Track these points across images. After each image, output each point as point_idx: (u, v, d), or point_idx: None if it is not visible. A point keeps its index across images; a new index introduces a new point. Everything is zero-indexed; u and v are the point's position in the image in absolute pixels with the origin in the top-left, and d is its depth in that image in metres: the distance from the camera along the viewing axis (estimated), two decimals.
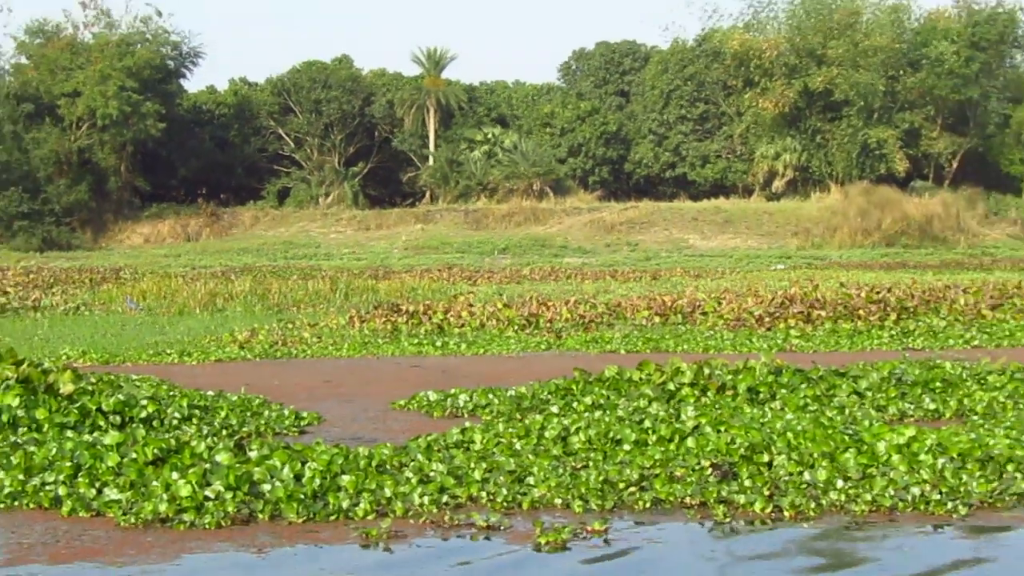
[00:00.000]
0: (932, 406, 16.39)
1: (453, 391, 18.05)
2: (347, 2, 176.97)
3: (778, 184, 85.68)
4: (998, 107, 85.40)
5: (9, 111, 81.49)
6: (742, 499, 11.17)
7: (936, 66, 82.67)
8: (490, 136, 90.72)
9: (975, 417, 15.65)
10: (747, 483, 11.61)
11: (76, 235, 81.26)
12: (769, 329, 29.31)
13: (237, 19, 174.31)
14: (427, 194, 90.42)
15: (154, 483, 11.37)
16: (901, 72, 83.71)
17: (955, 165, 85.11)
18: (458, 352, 26.40)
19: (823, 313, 30.82)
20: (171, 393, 17.17)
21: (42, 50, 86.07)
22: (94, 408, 15.07)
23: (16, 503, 11.46)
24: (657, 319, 31.46)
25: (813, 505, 11.02)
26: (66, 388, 15.53)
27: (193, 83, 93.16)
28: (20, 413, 14.59)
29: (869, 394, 16.93)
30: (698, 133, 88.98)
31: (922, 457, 12.19)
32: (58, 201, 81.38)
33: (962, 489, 11.39)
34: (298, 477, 11.56)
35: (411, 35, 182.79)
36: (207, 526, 10.58)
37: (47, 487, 11.60)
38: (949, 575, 9.51)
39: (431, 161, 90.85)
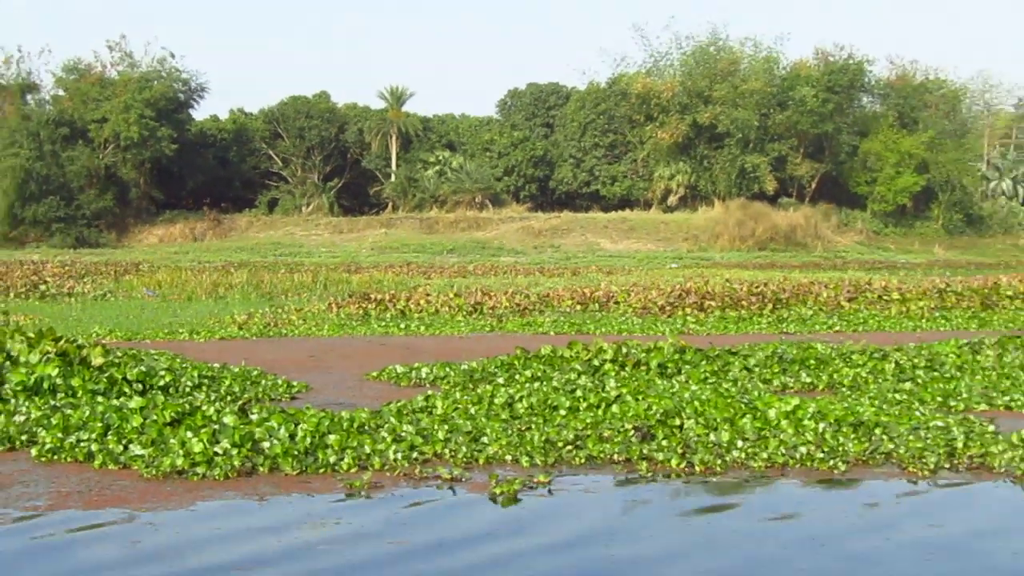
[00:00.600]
0: (808, 379, 16.20)
1: (416, 365, 17.75)
2: (326, 47, 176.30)
3: (672, 199, 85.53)
4: (848, 139, 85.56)
5: (48, 134, 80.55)
6: (660, 456, 10.96)
7: (799, 106, 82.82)
8: (441, 158, 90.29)
9: (844, 389, 15.55)
10: (664, 443, 11.39)
11: (103, 235, 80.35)
12: (669, 316, 29.06)
13: (235, 59, 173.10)
14: (389, 205, 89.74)
15: (172, 441, 11.10)
16: (771, 110, 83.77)
17: (814, 186, 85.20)
18: (418, 333, 25.95)
19: (713, 303, 30.66)
20: (183, 365, 16.78)
21: (76, 84, 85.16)
22: (120, 377, 14.74)
23: (55, 457, 11.16)
24: (579, 307, 31.18)
25: (719, 462, 10.83)
26: (97, 360, 15.18)
27: (199, 112, 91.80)
28: (59, 381, 14.22)
29: (756, 369, 16.74)
30: (608, 158, 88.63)
31: (806, 422, 12.03)
32: (88, 207, 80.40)
33: (840, 449, 11.23)
34: (292, 436, 11.29)
35: (378, 75, 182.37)
36: (217, 477, 10.32)
37: (81, 444, 11.31)
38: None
39: (393, 178, 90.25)
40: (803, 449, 11.08)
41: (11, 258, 61.43)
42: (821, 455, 10.97)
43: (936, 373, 16.49)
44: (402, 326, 26.92)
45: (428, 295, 33.28)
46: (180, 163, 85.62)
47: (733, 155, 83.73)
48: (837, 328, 26.32)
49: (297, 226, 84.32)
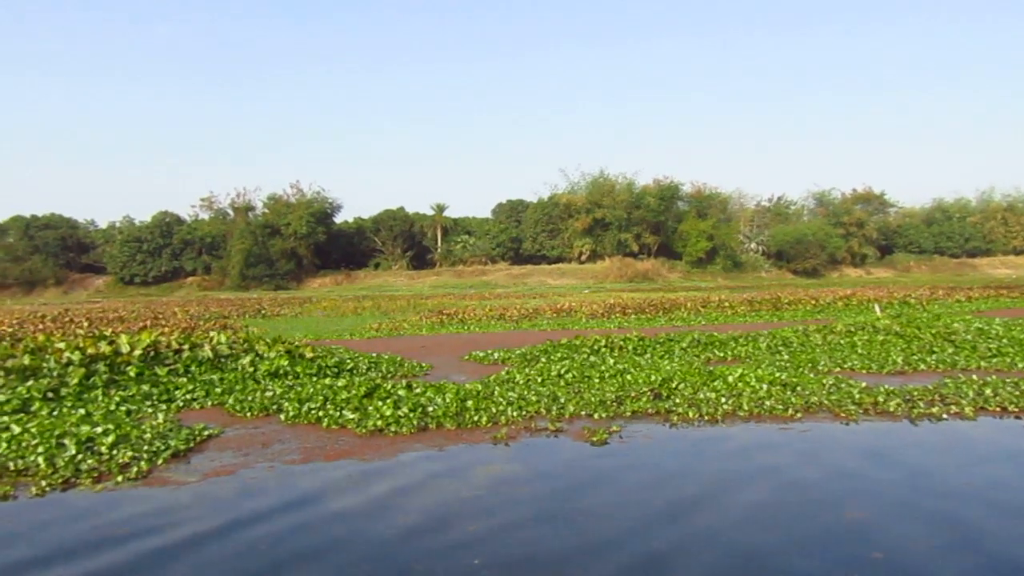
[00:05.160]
0: (720, 354, 13.86)
1: (489, 350, 15.54)
2: (406, 182, 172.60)
3: (583, 257, 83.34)
4: (672, 224, 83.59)
5: (260, 231, 79.58)
6: (680, 410, 8.72)
7: (647, 208, 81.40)
8: (463, 239, 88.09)
9: (748, 360, 13.06)
10: (677, 401, 9.12)
11: (289, 284, 78.24)
12: (607, 318, 26.83)
13: (358, 188, 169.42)
14: (437, 263, 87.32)
15: (369, 408, 8.89)
16: (632, 210, 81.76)
17: (656, 248, 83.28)
18: (475, 331, 23.56)
19: (629, 310, 28.58)
20: (356, 355, 14.55)
21: (274, 205, 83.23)
22: (324, 365, 12.54)
23: (296, 420, 8.96)
24: (555, 315, 29.01)
25: (718, 412, 8.61)
26: (309, 354, 12.99)
27: (338, 218, 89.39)
28: (288, 368, 12.02)
29: (688, 349, 14.50)
30: (549, 236, 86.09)
31: (754, 384, 9.80)
32: (282, 269, 78.87)
33: (789, 402, 8.98)
34: (444, 402, 9.06)
35: (430, 196, 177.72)
36: (404, 433, 8.15)
37: (312, 411, 9.10)
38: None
39: (439, 250, 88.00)
40: (768, 403, 8.85)
41: (243, 297, 59.07)
42: (780, 407, 8.74)
43: (791, 348, 14.29)
44: (464, 328, 24.69)
45: (473, 310, 31.04)
46: (328, 245, 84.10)
47: (614, 233, 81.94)
48: (704, 323, 24.02)
49: (390, 276, 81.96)
